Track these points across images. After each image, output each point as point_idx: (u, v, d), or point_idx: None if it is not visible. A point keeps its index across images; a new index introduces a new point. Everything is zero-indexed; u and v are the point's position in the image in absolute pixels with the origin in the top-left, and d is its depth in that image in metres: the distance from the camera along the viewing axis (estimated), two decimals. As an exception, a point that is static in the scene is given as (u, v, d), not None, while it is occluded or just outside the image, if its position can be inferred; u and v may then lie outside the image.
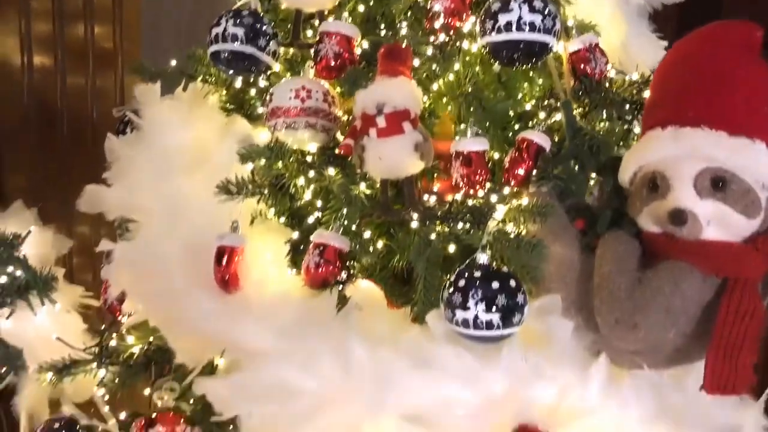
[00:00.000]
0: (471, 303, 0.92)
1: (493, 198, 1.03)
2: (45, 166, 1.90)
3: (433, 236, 1.03)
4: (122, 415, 1.29)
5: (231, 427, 1.13)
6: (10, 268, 1.28)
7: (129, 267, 1.09)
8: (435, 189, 1.11)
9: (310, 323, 0.97)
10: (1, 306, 1.31)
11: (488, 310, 0.92)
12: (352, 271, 1.08)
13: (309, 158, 1.09)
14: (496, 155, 1.13)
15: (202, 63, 1.25)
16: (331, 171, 1.06)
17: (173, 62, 1.31)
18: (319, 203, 1.12)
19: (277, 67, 1.15)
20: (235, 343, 1.00)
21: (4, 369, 1.38)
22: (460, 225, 1.03)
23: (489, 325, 0.92)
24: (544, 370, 0.95)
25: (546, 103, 1.13)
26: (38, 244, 1.40)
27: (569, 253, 1.02)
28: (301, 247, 1.12)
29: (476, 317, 0.92)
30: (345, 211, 1.05)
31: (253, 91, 1.20)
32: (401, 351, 0.95)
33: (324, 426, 0.95)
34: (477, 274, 0.94)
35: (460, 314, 0.93)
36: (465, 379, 0.94)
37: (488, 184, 1.04)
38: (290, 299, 1.01)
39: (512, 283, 0.93)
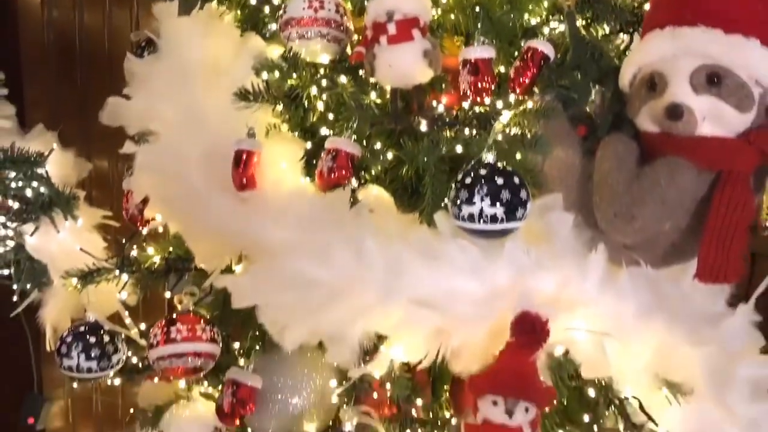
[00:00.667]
0: (476, 198, 0.97)
1: (499, 105, 1.08)
2: (64, 100, 1.95)
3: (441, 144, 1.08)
4: (143, 326, 1.36)
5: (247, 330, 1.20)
6: (34, 184, 1.33)
7: (151, 171, 1.15)
8: (443, 100, 1.15)
9: (324, 218, 1.02)
10: (25, 221, 1.37)
11: (493, 204, 0.97)
12: (363, 180, 1.14)
13: (321, 71, 1.14)
14: (503, 69, 1.17)
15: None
16: (343, 79, 1.11)
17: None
18: (331, 116, 1.17)
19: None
20: (253, 241, 1.05)
21: (29, 285, 1.45)
22: (467, 131, 1.08)
23: (493, 219, 0.97)
24: (545, 262, 1.00)
25: (551, 18, 1.17)
26: (59, 166, 1.45)
27: (571, 157, 1.07)
28: (314, 160, 1.18)
29: (481, 211, 0.97)
30: (356, 118, 1.10)
31: (267, 9, 1.24)
32: (410, 245, 1.01)
33: (338, 314, 1.00)
34: (482, 171, 0.98)
35: (466, 209, 0.98)
36: (470, 270, 1.00)
37: (494, 92, 1.09)
38: (305, 197, 1.06)
39: (516, 179, 0.98)
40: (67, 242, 1.41)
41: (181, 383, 1.31)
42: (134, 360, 1.33)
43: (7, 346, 1.61)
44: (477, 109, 1.09)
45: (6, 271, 1.42)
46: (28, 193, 1.33)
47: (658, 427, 1.02)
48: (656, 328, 1.00)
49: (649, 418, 1.01)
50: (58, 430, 2.07)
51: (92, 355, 1.23)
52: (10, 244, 1.40)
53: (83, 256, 1.36)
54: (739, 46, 0.93)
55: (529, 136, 1.03)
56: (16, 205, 1.31)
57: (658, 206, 0.96)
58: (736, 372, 1.00)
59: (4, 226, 1.34)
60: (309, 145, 1.17)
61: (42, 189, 1.35)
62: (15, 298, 1.44)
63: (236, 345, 1.30)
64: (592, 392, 1.04)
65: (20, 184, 1.32)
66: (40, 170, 1.34)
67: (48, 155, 1.35)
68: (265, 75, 1.13)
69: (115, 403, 2.07)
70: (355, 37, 1.16)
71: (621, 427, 1.04)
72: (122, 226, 1.49)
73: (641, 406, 1.02)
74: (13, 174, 1.32)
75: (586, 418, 1.08)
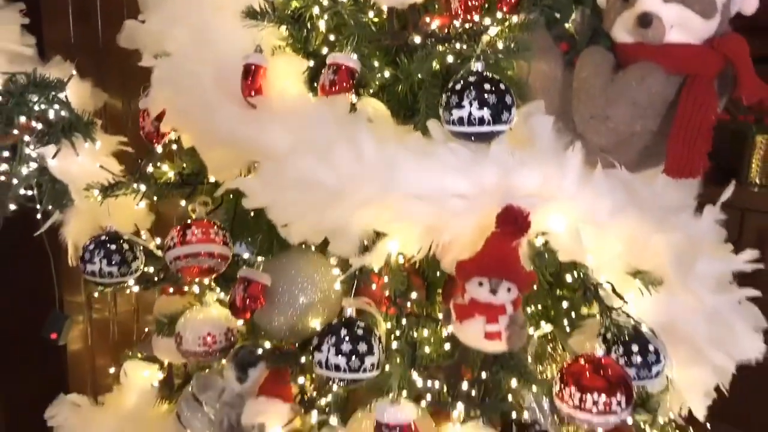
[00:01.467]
0: (465, 102, 1.07)
1: (487, 21, 1.17)
2: (81, 44, 2.03)
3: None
4: (158, 240, 1.47)
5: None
6: (55, 107, 1.42)
7: (166, 86, 1.24)
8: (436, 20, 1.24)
9: (326, 122, 1.12)
10: (47, 144, 1.46)
11: (480, 107, 1.06)
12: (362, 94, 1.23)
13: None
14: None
15: None
16: (344, -1, 1.20)
17: None
18: (332, 37, 1.26)
19: None
20: (260, 146, 1.15)
21: (51, 206, 1.55)
22: (458, 45, 1.18)
23: (481, 121, 1.07)
24: (527, 162, 1.10)
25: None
26: (77, 94, 1.54)
27: (553, 69, 1.17)
28: (316, 80, 1.27)
29: (470, 114, 1.07)
30: (356, 36, 1.19)
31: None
32: (405, 147, 1.11)
33: (339, 210, 1.11)
34: (471, 78, 1.08)
35: (456, 113, 1.08)
36: (460, 169, 1.10)
37: (483, 10, 1.18)
38: (308, 104, 1.15)
39: (502, 86, 1.07)
40: (87, 164, 1.51)
41: (195, 290, 1.42)
42: (151, 269, 1.43)
43: (30, 268, 1.72)
44: (467, 25, 1.18)
45: (29, 192, 1.52)
46: (51, 115, 1.42)
47: (628, 305, 1.12)
48: (629, 221, 1.10)
49: (620, 297, 1.12)
50: (78, 352, 2.20)
51: (113, 261, 1.34)
52: (33, 166, 1.50)
53: (102, 178, 1.46)
54: (704, -43, 1.02)
55: (513, 46, 1.12)
56: (39, 126, 1.41)
57: (630, 107, 1.06)
58: (701, 258, 1.10)
59: (28, 146, 1.44)
60: (312, 63, 1.27)
61: (63, 113, 1.44)
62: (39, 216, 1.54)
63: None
64: (569, 278, 1.15)
65: (42, 107, 1.42)
66: (60, 95, 1.44)
67: (68, 81, 1.45)
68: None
69: (131, 328, 2.20)
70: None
71: (596, 311, 1.14)
72: (135, 152, 1.60)
73: (614, 289, 1.12)
74: (35, 98, 1.42)
75: (564, 304, 1.19)
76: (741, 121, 3.41)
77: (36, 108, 1.42)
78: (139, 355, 1.66)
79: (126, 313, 2.22)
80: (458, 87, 1.08)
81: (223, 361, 1.38)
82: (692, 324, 1.19)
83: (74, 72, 1.51)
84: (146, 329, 1.76)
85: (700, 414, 1.40)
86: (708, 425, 1.38)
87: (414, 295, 1.24)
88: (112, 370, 1.70)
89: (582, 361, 1.09)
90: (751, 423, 2.77)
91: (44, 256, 1.63)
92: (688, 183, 1.13)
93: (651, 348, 1.13)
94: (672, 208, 1.13)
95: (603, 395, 1.05)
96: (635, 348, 1.12)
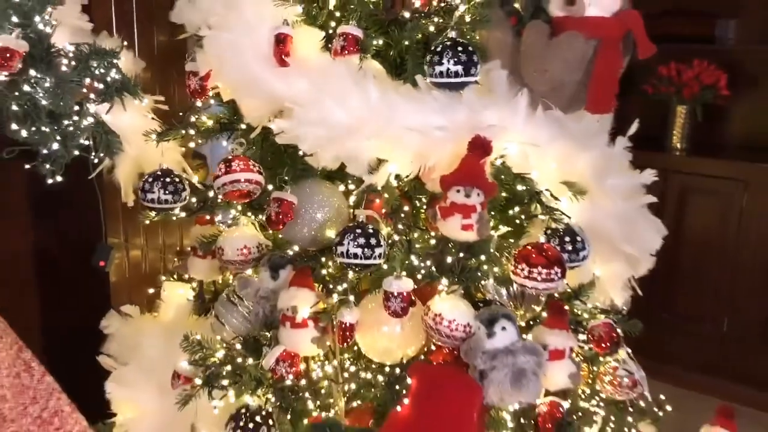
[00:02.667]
0: (444, 60, 1.47)
1: (457, 1, 1.57)
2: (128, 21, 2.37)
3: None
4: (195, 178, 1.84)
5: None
6: (112, 72, 1.77)
7: (213, 51, 1.60)
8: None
9: (341, 77, 1.50)
10: (104, 101, 1.81)
11: (456, 64, 1.47)
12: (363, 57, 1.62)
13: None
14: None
15: None
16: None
17: None
18: (337, 13, 1.65)
19: None
20: (291, 96, 1.53)
21: (104, 153, 1.89)
22: (436, 19, 1.58)
23: (456, 74, 1.48)
24: (489, 105, 1.51)
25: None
26: (123, 61, 1.88)
27: (506, 37, 1.58)
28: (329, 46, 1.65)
29: (447, 69, 1.48)
30: (359, 12, 1.58)
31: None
32: (400, 94, 1.51)
33: (353, 142, 1.50)
34: (447, 43, 1.49)
35: (437, 68, 1.48)
36: (440, 110, 1.50)
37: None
38: (326, 64, 1.54)
39: (470, 48, 1.48)
40: (134, 118, 1.86)
41: (230, 215, 1.79)
42: (193, 200, 1.80)
43: (81, 207, 2.06)
44: (443, 4, 1.58)
45: (87, 142, 1.86)
46: (108, 78, 1.76)
47: (561, 203, 1.55)
48: (561, 145, 1.53)
49: (555, 198, 1.55)
50: (118, 282, 2.57)
51: (168, 190, 1.69)
52: (91, 120, 1.84)
53: (146, 129, 1.82)
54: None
55: (477, 19, 1.53)
56: (100, 86, 1.75)
57: (561, 63, 1.48)
58: (613, 172, 1.54)
59: (89, 103, 1.78)
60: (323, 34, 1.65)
61: (116, 76, 1.79)
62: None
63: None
64: (520, 187, 1.57)
65: (102, 71, 1.76)
66: (115, 61, 1.78)
67: (120, 50, 1.79)
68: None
69: (158, 264, 2.57)
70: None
71: (539, 213, 1.57)
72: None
73: (552, 195, 1.55)
74: (95, 63, 1.76)
75: (516, 209, 1.61)
76: (663, 93, 3.91)
77: (96, 72, 1.77)
78: (174, 277, 2.03)
79: (154, 250, 2.59)
80: (438, 49, 1.49)
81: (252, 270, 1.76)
82: (609, 223, 1.63)
83: (125, 43, 1.85)
84: (174, 261, 2.12)
85: (620, 302, 1.86)
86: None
87: (405, 208, 1.64)
88: (151, 291, 2.06)
89: (530, 247, 1.51)
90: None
91: (93, 198, 1.97)
92: (603, 118, 1.56)
93: (579, 239, 1.56)
94: (591, 136, 1.56)
95: (545, 269, 1.48)
96: (567, 238, 1.55)
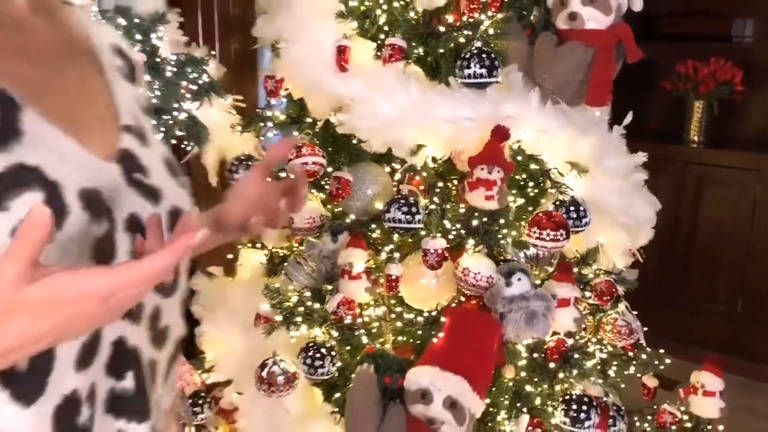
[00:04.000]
0: (472, 64, 1.85)
1: (482, 17, 1.94)
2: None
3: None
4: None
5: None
6: (204, 75, 2.19)
7: (287, 59, 2.01)
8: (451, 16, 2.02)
9: (389, 79, 1.89)
10: (195, 100, 2.23)
11: (481, 68, 1.85)
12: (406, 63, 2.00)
13: None
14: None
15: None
16: (396, 4, 1.96)
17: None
18: (386, 27, 2.03)
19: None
20: (350, 95, 1.92)
21: (194, 142, 2.32)
22: (465, 32, 1.95)
23: (481, 76, 1.86)
24: (508, 99, 1.89)
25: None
26: (210, 68, 2.30)
27: (521, 45, 1.95)
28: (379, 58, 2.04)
29: (474, 72, 1.86)
30: (403, 26, 1.96)
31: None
32: (436, 92, 1.89)
33: (397, 131, 1.89)
34: (475, 50, 1.86)
35: (466, 71, 1.86)
36: (469, 104, 1.88)
37: (480, 9, 1.96)
38: (378, 69, 1.93)
39: (493, 55, 1.86)
40: (219, 114, 2.29)
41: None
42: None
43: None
44: (471, 20, 1.96)
45: (180, 133, 2.29)
46: (200, 81, 2.19)
47: (567, 179, 1.92)
48: (567, 132, 1.89)
49: (562, 175, 1.91)
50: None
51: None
52: (184, 114, 2.27)
53: (230, 123, 2.24)
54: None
55: (498, 31, 1.91)
56: (194, 88, 2.17)
57: (566, 66, 1.85)
58: (610, 154, 1.90)
59: (185, 101, 2.20)
60: (375, 45, 2.04)
61: (206, 78, 2.21)
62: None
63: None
64: (533, 166, 1.94)
65: (195, 75, 2.18)
66: (205, 67, 2.21)
67: (209, 58, 2.21)
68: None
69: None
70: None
71: (549, 188, 1.93)
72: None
73: (559, 173, 1.91)
74: (190, 69, 2.18)
75: (530, 185, 1.98)
76: (682, 90, 4.21)
77: (191, 76, 2.19)
78: (249, 244, 2.45)
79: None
80: (467, 56, 1.87)
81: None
82: (608, 197, 1.99)
83: (213, 53, 2.27)
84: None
85: (621, 266, 2.21)
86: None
87: (439, 185, 2.03)
88: (230, 256, 2.48)
89: (541, 214, 1.88)
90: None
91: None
92: (601, 110, 1.92)
93: (581, 208, 1.92)
94: (591, 124, 1.92)
95: (552, 231, 1.84)
96: (572, 208, 1.91)
